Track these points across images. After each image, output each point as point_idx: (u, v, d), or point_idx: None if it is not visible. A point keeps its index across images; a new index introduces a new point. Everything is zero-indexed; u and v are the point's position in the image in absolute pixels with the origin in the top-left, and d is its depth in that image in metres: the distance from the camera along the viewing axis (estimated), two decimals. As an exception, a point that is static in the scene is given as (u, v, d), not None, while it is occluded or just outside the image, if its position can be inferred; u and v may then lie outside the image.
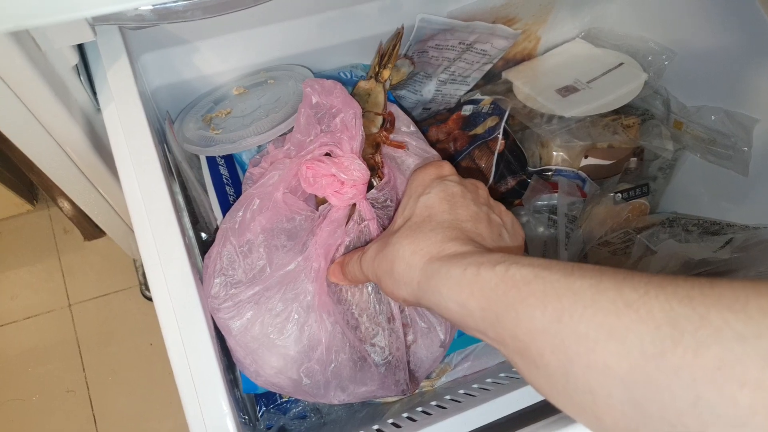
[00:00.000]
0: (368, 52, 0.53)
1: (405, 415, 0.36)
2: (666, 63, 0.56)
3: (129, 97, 0.36)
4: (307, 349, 0.32)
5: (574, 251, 0.53)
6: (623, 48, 0.59)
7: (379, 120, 0.41)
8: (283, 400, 0.45)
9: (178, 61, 0.48)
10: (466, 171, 0.54)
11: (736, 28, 0.48)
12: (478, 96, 0.59)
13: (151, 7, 0.32)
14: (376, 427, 0.36)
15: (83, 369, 0.83)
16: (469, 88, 0.61)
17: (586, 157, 0.55)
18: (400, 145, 0.40)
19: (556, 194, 0.54)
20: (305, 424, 0.46)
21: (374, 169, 0.38)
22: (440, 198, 0.29)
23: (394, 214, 0.37)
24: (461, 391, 0.37)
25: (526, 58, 0.63)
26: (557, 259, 0.52)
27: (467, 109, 0.58)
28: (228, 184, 0.45)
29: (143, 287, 0.89)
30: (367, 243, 0.35)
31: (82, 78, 0.38)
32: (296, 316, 0.33)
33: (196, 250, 0.42)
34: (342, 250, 0.35)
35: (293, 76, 0.48)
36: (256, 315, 0.32)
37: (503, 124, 0.52)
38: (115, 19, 0.33)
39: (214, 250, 0.34)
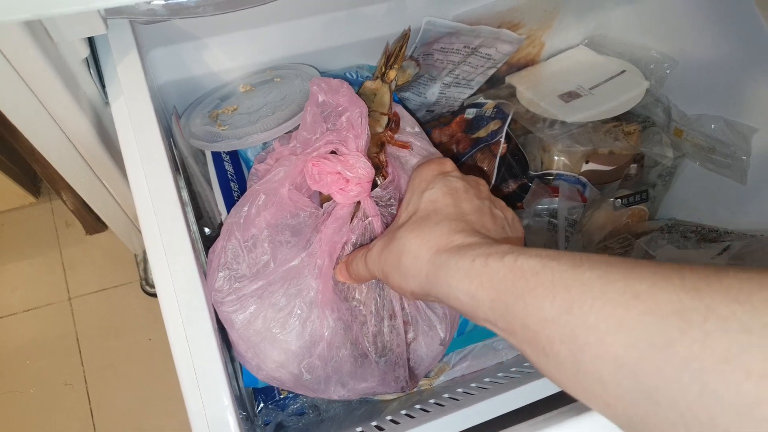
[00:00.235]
0: (374, 54, 0.53)
1: (403, 412, 0.36)
2: (667, 71, 0.56)
3: (138, 92, 0.36)
4: (308, 345, 0.33)
5: (573, 255, 0.54)
6: (626, 56, 0.59)
7: (385, 120, 0.41)
8: (282, 396, 0.45)
9: (187, 57, 0.48)
10: (469, 172, 0.55)
11: (737, 38, 0.49)
12: (481, 100, 0.59)
13: (163, 2, 0.32)
14: (374, 423, 0.36)
15: (82, 363, 0.83)
16: (472, 91, 0.62)
17: (587, 162, 0.56)
18: (405, 145, 0.41)
19: (556, 198, 0.55)
20: (303, 421, 0.46)
21: (379, 168, 0.39)
22: (444, 192, 0.29)
23: (398, 211, 0.37)
24: (459, 390, 0.37)
25: (530, 63, 0.64)
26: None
27: (470, 113, 0.58)
28: (233, 180, 0.46)
29: (144, 282, 0.89)
30: (371, 240, 0.35)
31: (91, 71, 0.38)
32: (299, 312, 0.33)
33: (200, 245, 0.42)
34: (348, 248, 0.35)
35: (300, 75, 0.48)
36: (259, 309, 0.33)
37: (506, 127, 0.53)
38: (128, 13, 0.33)
39: (218, 244, 0.35)
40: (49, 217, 0.93)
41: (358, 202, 0.37)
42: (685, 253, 0.50)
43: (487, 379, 0.38)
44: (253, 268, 0.34)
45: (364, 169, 0.35)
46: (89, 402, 0.81)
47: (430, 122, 0.62)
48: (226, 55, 0.49)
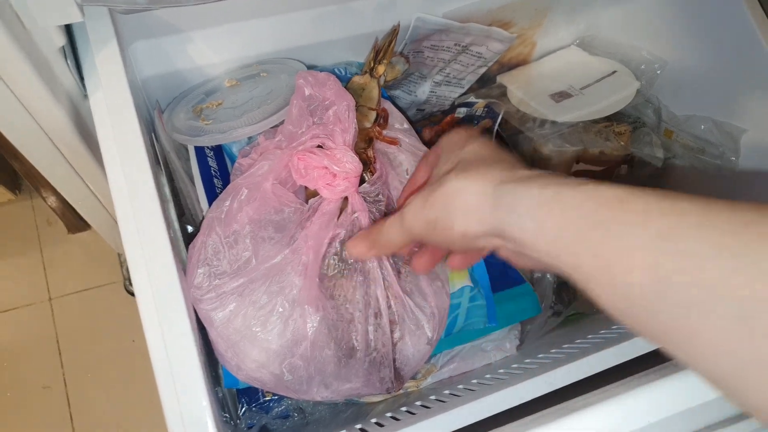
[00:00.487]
0: (363, 50, 0.52)
1: (389, 414, 0.35)
2: (658, 72, 0.56)
3: (117, 84, 0.35)
4: (290, 344, 0.32)
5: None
6: (617, 56, 0.59)
7: (373, 115, 0.41)
8: (266, 398, 0.44)
9: (171, 51, 0.47)
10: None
11: (727, 40, 0.49)
12: (472, 99, 0.59)
13: (142, -10, 0.31)
14: (359, 426, 0.35)
15: (62, 365, 0.81)
16: (463, 90, 0.61)
17: (577, 162, 0.56)
18: (393, 141, 0.40)
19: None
20: (288, 424, 0.45)
21: (366, 164, 0.38)
22: (482, 146, 0.28)
23: (386, 208, 0.36)
24: (446, 392, 0.36)
25: (521, 63, 0.63)
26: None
27: (461, 112, 0.58)
28: (216, 177, 0.45)
29: (127, 282, 0.87)
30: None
31: (69, 61, 0.37)
32: (281, 310, 0.32)
33: (181, 243, 0.41)
34: (335, 244, 0.34)
35: (286, 70, 0.47)
36: (240, 307, 0.32)
37: (496, 127, 0.52)
38: (104, 0, 0.32)
39: (198, 239, 0.34)
40: (30, 215, 0.91)
41: (346, 198, 0.36)
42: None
43: (474, 381, 0.38)
44: (234, 264, 0.33)
45: (351, 164, 0.34)
46: (69, 406, 0.78)
47: (421, 121, 0.61)
48: (211, 49, 0.48)
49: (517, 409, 0.32)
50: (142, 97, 0.48)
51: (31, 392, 0.79)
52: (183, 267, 0.35)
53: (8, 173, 0.88)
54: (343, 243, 0.34)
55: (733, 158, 0.51)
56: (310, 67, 0.51)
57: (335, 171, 0.34)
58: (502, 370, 0.40)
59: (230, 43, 0.48)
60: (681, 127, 0.55)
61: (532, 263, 0.25)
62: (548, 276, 0.51)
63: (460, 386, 0.37)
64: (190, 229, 0.46)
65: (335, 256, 0.34)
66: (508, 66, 0.63)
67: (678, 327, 0.17)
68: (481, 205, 0.24)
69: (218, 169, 0.45)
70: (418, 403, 0.36)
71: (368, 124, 0.40)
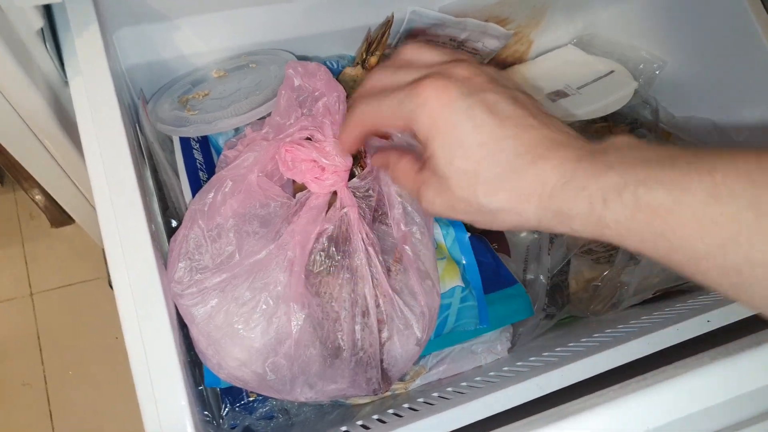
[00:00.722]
0: (356, 43, 0.51)
1: (376, 417, 0.34)
2: (656, 72, 0.56)
3: (98, 70, 0.34)
4: (274, 342, 0.31)
5: (557, 257, 0.53)
6: (615, 56, 0.58)
7: (364, 108, 0.39)
8: (250, 399, 0.43)
9: (157, 39, 0.46)
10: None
11: (727, 40, 0.48)
12: (466, 96, 0.58)
13: (124, -29, 0.30)
14: (344, 428, 0.34)
15: (42, 362, 0.79)
16: (458, 87, 0.60)
17: (573, 162, 0.55)
18: (385, 135, 0.39)
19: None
20: (272, 425, 0.44)
21: (357, 158, 0.37)
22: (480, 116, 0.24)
23: (376, 204, 0.35)
24: (435, 394, 0.35)
25: (518, 61, 0.63)
26: (540, 265, 0.51)
27: (455, 108, 0.57)
28: (201, 170, 0.43)
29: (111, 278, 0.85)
30: (347, 231, 0.33)
31: (48, 45, 0.35)
32: (264, 307, 0.31)
33: (164, 237, 0.40)
34: (322, 239, 0.33)
35: (276, 61, 0.46)
36: (222, 303, 0.30)
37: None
38: (85, -19, 0.31)
39: (180, 232, 0.32)
40: (12, 208, 0.89)
41: (335, 193, 0.35)
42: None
43: (464, 384, 0.37)
44: (217, 259, 0.31)
45: (341, 158, 0.33)
46: (48, 403, 0.76)
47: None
48: (199, 38, 0.47)
49: (508, 413, 0.31)
50: (125, 86, 0.46)
51: (11, 389, 0.77)
52: (165, 261, 0.34)
53: (-10, 164, 0.86)
54: (331, 239, 0.33)
55: (730, 160, 0.50)
56: (300, 59, 0.49)
57: (324, 164, 0.33)
58: (492, 373, 0.39)
59: (219, 33, 0.47)
60: (679, 128, 0.54)
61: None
62: (541, 278, 0.50)
63: (450, 389, 0.36)
64: (174, 223, 0.44)
65: (322, 252, 0.33)
66: (504, 64, 0.62)
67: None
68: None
69: (204, 162, 0.44)
70: (406, 405, 0.35)
71: (360, 118, 0.39)
